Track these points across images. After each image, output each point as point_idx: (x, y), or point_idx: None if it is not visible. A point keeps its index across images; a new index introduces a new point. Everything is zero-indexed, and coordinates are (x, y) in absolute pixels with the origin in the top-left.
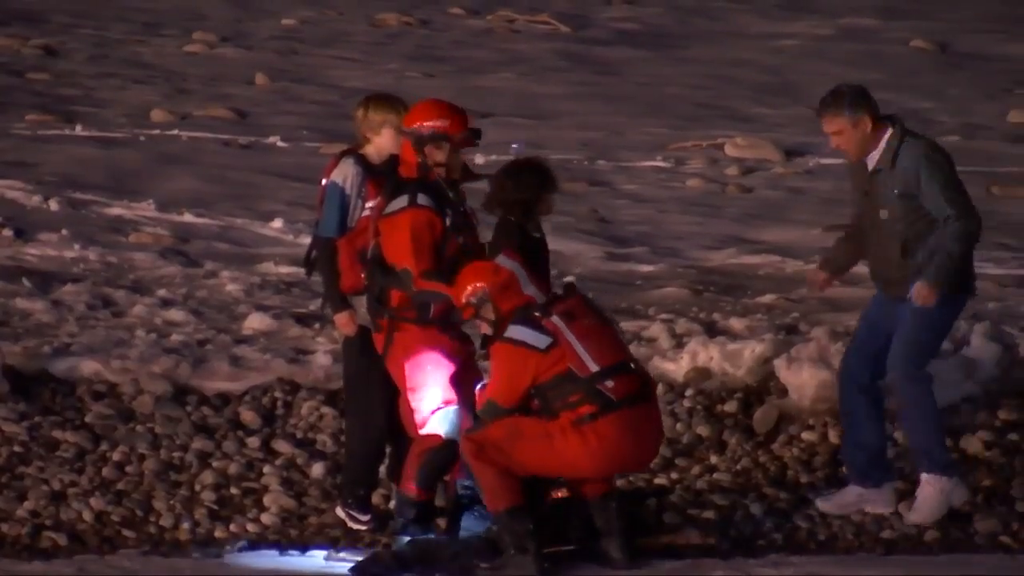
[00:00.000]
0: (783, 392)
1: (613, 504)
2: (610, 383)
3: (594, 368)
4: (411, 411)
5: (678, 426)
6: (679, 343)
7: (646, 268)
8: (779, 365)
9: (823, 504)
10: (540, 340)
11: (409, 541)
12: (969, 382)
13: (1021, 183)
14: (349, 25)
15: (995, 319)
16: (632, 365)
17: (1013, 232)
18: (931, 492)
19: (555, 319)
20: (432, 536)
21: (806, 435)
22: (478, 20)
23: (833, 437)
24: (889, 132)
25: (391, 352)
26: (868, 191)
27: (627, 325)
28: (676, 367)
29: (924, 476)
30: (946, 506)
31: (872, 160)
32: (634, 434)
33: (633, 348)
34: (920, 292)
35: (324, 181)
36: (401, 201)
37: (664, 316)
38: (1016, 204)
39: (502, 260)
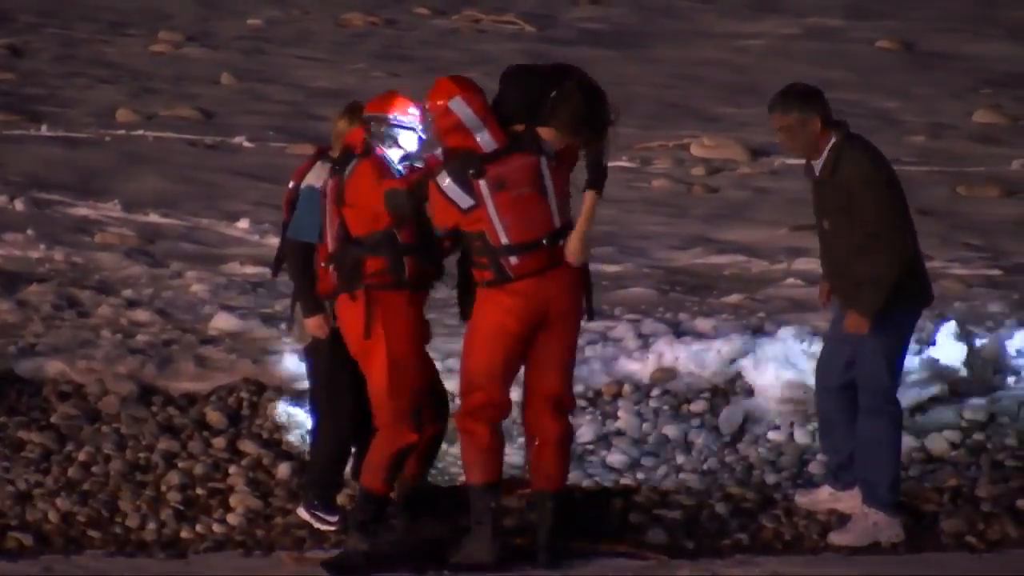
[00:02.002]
0: (749, 392)
1: (549, 504)
2: (514, 259)
3: (504, 241)
4: (381, 404)
5: (644, 426)
6: (645, 343)
7: (612, 268)
8: (745, 365)
9: (800, 497)
10: (463, 200)
11: (374, 534)
12: (935, 382)
13: (987, 183)
14: (315, 25)
15: (961, 319)
16: (545, 241)
17: (979, 232)
18: (864, 525)
19: (482, 184)
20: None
21: (772, 435)
22: (444, 20)
23: (799, 437)
24: (832, 140)
25: (372, 321)
26: (814, 200)
27: (593, 325)
28: (642, 367)
29: (864, 506)
30: (873, 540)
31: (816, 168)
32: (526, 302)
33: (599, 348)
34: (851, 322)
35: (294, 183)
36: (354, 161)
37: (630, 316)
38: (982, 204)
39: (454, 103)
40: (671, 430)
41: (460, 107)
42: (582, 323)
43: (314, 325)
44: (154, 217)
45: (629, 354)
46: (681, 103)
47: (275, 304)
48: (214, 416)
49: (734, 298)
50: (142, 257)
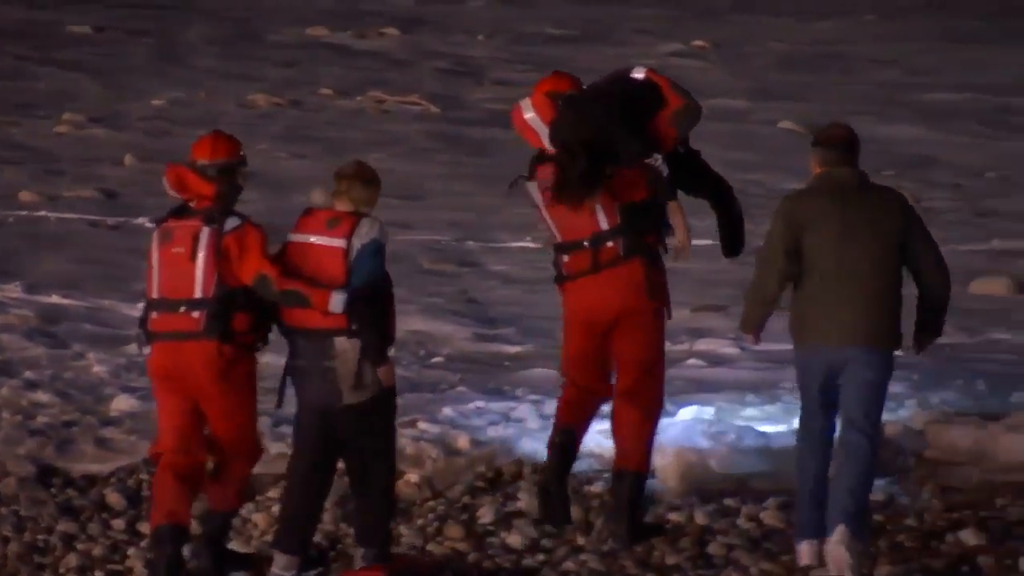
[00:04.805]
0: (650, 473)
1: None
2: (566, 258)
3: (558, 239)
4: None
5: None
6: (547, 424)
7: (514, 349)
8: None
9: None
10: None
11: None
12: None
13: None
14: (219, 106)
15: None
16: (586, 243)
17: None
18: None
19: (529, 185)
20: None
21: (673, 516)
22: (348, 101)
23: (700, 518)
24: None
25: (233, 376)
26: None
27: (495, 406)
28: (544, 448)
29: (852, 539)
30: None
31: None
32: (580, 300)
33: (500, 428)
34: None
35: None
36: (233, 220)
37: (532, 397)
38: None
39: None
40: (572, 511)
41: None
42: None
43: (389, 373)
44: (56, 298)
45: (531, 435)
46: None
47: None
48: (114, 497)
49: None
50: (43, 338)
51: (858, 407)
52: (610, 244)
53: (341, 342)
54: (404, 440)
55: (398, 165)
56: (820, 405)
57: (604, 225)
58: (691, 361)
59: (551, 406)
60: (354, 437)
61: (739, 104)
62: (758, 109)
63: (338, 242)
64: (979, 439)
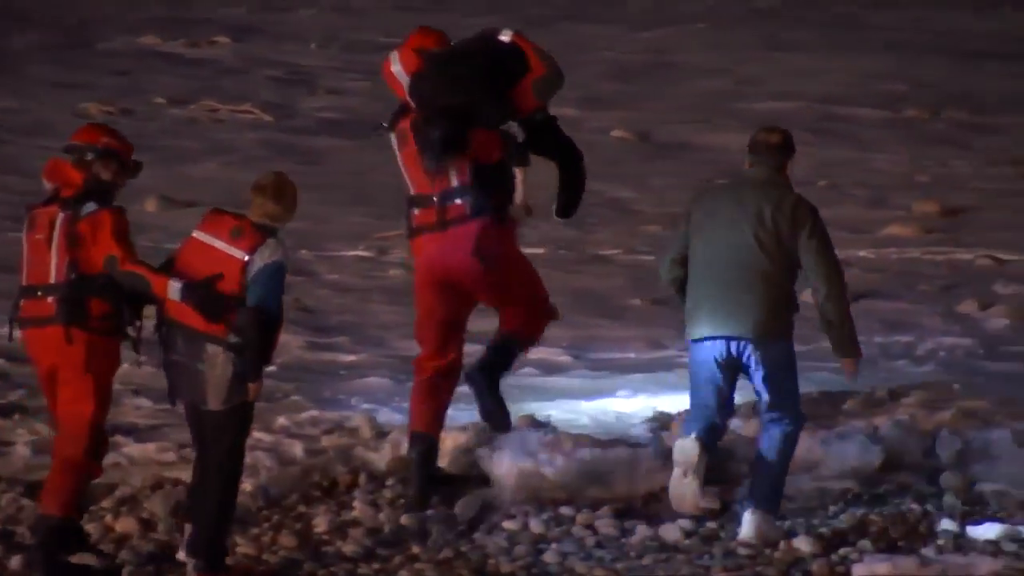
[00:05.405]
0: (486, 481)
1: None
2: (416, 211)
3: (410, 192)
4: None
5: (380, 516)
6: (381, 432)
7: (349, 358)
8: (482, 455)
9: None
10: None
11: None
12: (668, 471)
13: None
14: (51, 115)
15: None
16: (435, 199)
17: None
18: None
19: (392, 136)
20: None
21: (508, 524)
22: (181, 109)
23: (535, 526)
24: None
25: (87, 363)
26: None
27: (329, 415)
28: (378, 457)
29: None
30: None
31: None
32: (427, 257)
33: (334, 437)
34: None
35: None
36: (90, 206)
37: (367, 406)
38: None
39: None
40: (407, 519)
41: None
42: None
43: (257, 389)
44: None
45: (365, 444)
46: None
47: (8, 395)
48: None
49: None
50: None
51: (769, 394)
52: (458, 202)
53: (213, 348)
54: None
55: (231, 174)
56: (713, 398)
57: (455, 183)
58: (526, 370)
59: (386, 415)
60: (206, 442)
61: (571, 113)
62: (590, 118)
63: (238, 253)
64: (811, 447)
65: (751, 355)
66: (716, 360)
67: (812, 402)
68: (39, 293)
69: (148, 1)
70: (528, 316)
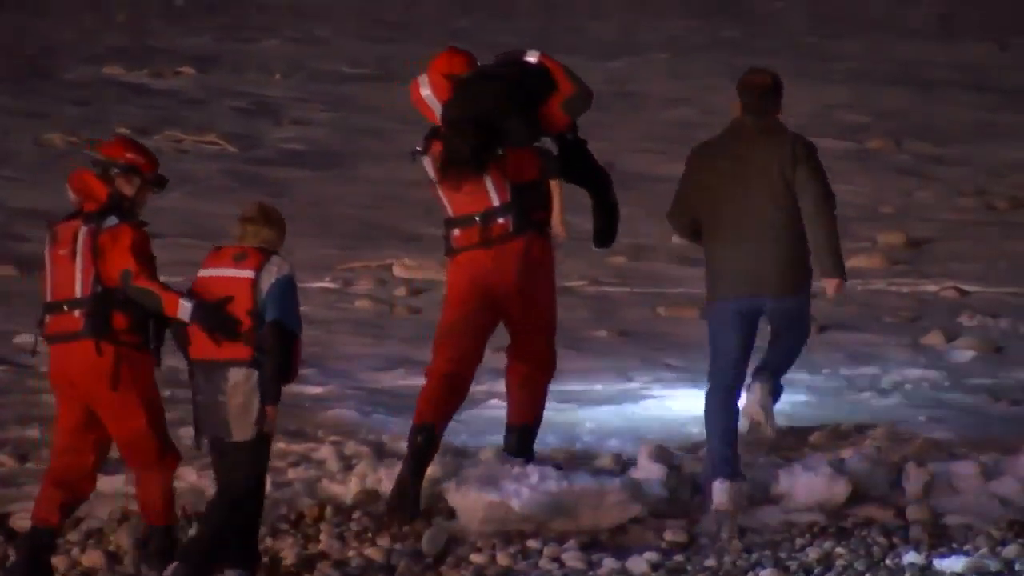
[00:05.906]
0: (452, 514)
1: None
2: (456, 232)
3: (449, 214)
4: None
5: (347, 549)
6: (348, 465)
7: (315, 390)
8: (448, 487)
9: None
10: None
11: None
12: (635, 503)
13: (686, 304)
14: (14, 145)
15: (660, 440)
16: (477, 219)
17: (679, 352)
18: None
19: (425, 160)
20: None
21: (475, 557)
22: (145, 139)
23: (501, 559)
24: None
25: (120, 376)
26: None
27: (295, 447)
28: (345, 489)
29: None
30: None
31: None
32: (470, 271)
33: (301, 470)
34: None
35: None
36: (112, 220)
37: (333, 438)
38: (681, 324)
39: None
40: (374, 553)
41: None
42: None
43: (273, 416)
44: None
45: (332, 476)
46: (384, 223)
47: None
48: None
49: None
50: None
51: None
52: (500, 220)
53: (235, 373)
54: (205, 482)
55: (195, 204)
56: (736, 349)
57: (495, 202)
58: (492, 401)
59: (352, 447)
60: (225, 477)
61: None
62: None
63: (246, 273)
64: (777, 479)
65: (773, 308)
66: (739, 312)
67: (778, 435)
68: (65, 308)
69: (111, 30)
70: (546, 348)
